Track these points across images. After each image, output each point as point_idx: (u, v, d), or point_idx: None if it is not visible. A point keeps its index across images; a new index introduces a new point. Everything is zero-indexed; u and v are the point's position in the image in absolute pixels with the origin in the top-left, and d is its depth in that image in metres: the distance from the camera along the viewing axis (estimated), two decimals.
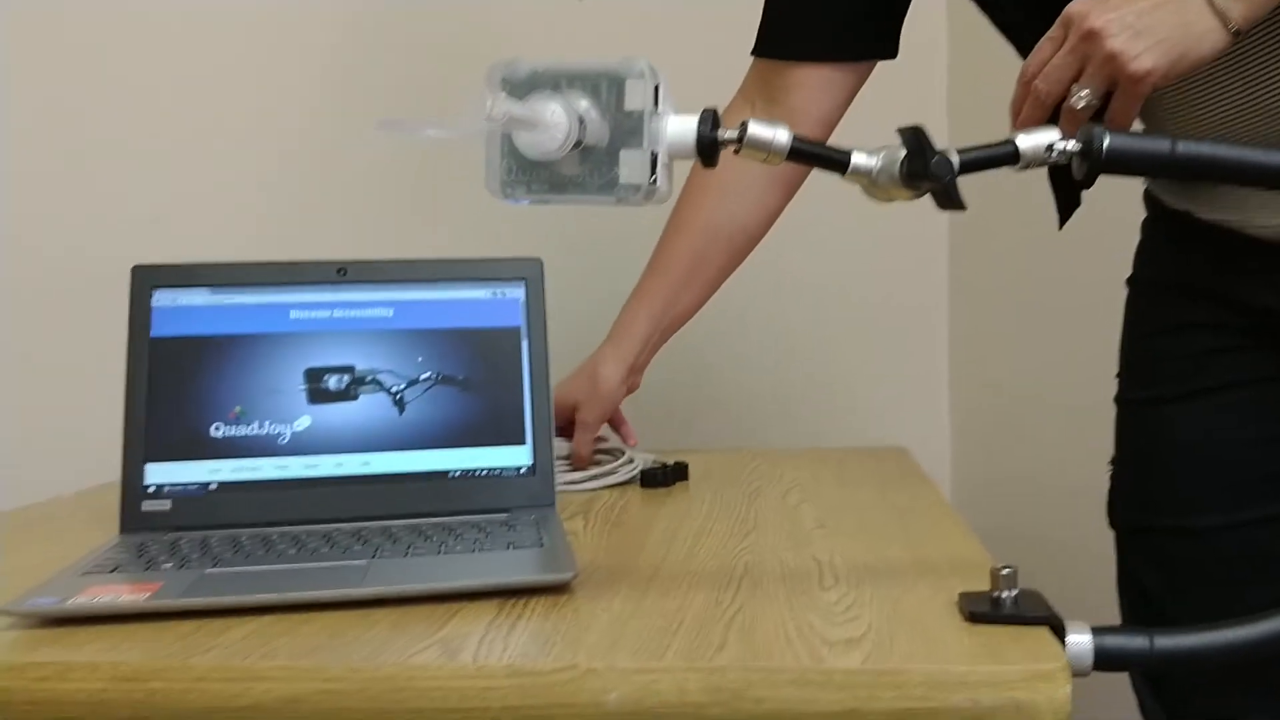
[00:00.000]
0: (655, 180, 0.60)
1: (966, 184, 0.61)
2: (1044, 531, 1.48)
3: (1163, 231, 1.01)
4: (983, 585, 0.65)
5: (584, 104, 0.59)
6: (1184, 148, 0.59)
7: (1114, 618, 1.04)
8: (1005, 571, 0.63)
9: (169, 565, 0.76)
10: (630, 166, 0.59)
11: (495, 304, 0.96)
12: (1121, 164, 0.60)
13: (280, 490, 0.89)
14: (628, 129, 0.60)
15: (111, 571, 0.75)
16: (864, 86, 1.11)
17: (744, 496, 1.02)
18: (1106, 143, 0.59)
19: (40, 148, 1.48)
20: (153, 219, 1.49)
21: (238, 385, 0.91)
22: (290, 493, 0.89)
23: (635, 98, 0.59)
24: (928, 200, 0.63)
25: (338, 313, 0.94)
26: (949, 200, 0.58)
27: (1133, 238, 1.05)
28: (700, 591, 0.71)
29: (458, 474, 0.92)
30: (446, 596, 0.70)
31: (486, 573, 0.73)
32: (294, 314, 0.93)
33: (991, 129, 0.69)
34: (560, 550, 0.78)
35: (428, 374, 0.93)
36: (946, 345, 1.61)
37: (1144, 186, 1.03)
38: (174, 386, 0.90)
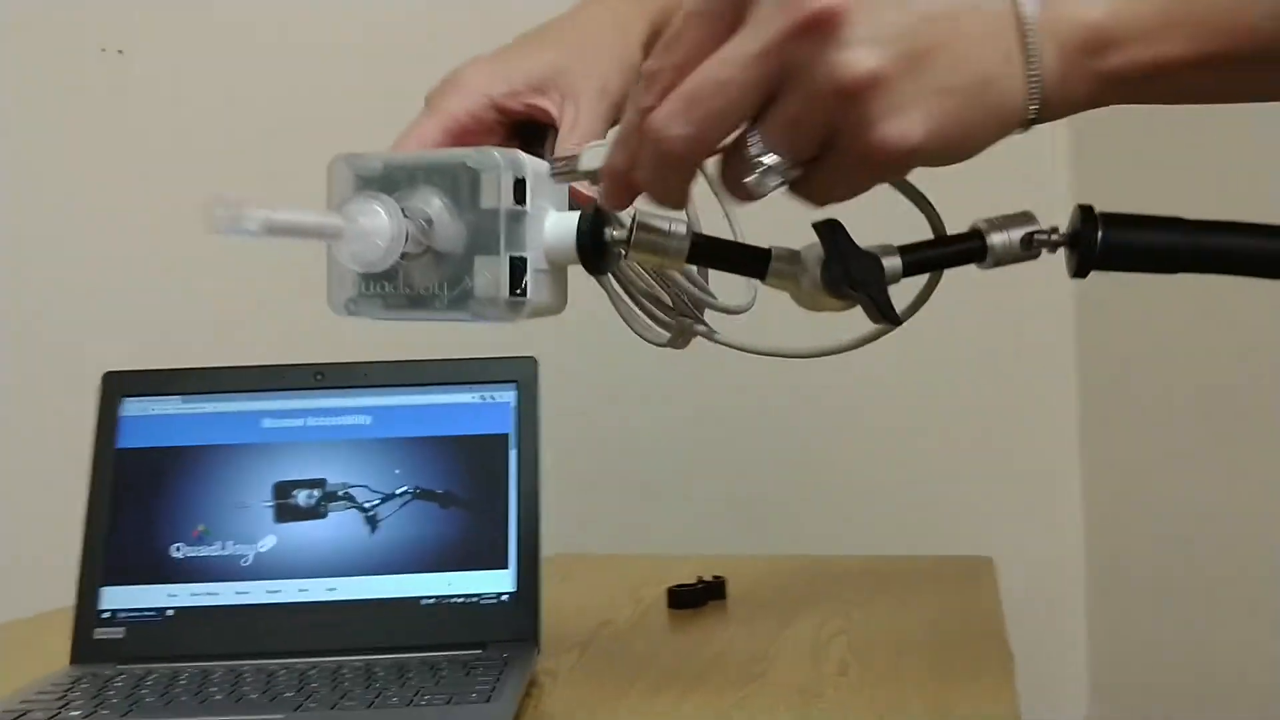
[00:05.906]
0: (524, 291, 0.50)
1: None
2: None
3: None
4: None
5: (437, 203, 0.49)
6: (1200, 237, 0.44)
7: None
8: None
9: (77, 714, 0.69)
10: (484, 276, 0.49)
11: (482, 409, 0.86)
12: (1122, 258, 0.45)
13: (239, 617, 0.81)
14: (484, 231, 0.49)
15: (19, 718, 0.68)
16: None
17: (775, 624, 0.88)
18: (1101, 234, 0.45)
19: None
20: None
21: (203, 501, 0.84)
22: (249, 621, 0.81)
23: (489, 193, 0.49)
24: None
25: (311, 421, 0.86)
26: (878, 312, 0.45)
27: None
28: None
29: (431, 600, 0.82)
30: None
31: None
32: (266, 423, 0.86)
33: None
34: (502, 713, 0.67)
35: (404, 488, 0.84)
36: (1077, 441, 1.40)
37: None
38: (138, 503, 0.84)
